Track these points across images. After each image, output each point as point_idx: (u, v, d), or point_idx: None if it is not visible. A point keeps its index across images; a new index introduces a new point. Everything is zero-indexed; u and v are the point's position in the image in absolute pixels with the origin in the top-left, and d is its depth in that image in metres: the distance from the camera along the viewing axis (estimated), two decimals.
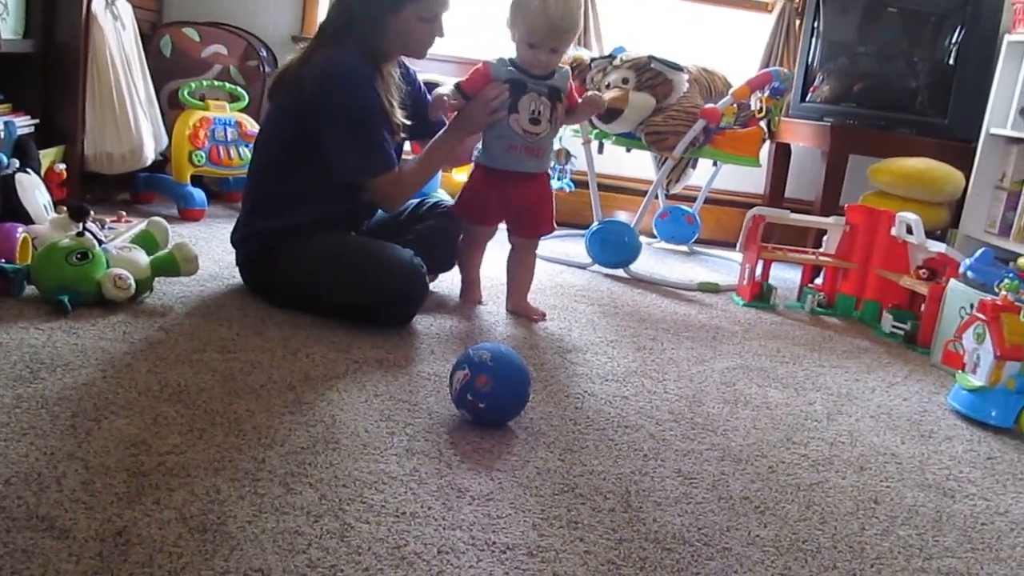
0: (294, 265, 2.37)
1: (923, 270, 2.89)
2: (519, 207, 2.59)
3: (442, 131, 2.52)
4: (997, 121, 3.58)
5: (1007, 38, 3.56)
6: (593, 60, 3.58)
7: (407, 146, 3.96)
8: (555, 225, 2.67)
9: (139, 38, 3.42)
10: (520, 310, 2.64)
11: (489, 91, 2.44)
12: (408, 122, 2.46)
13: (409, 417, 1.79)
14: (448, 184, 3.91)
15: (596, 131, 3.52)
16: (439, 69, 4.17)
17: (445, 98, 2.46)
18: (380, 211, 2.65)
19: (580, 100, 2.59)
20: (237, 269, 2.52)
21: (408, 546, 1.32)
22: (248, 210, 2.49)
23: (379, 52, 2.39)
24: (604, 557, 1.37)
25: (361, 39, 2.35)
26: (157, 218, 2.60)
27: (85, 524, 1.26)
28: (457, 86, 2.49)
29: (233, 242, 2.52)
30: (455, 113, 2.50)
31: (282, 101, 2.41)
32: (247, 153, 3.50)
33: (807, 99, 4.05)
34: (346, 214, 2.49)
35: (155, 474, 1.43)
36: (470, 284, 2.72)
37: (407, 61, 2.60)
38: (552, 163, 2.63)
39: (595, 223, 3.42)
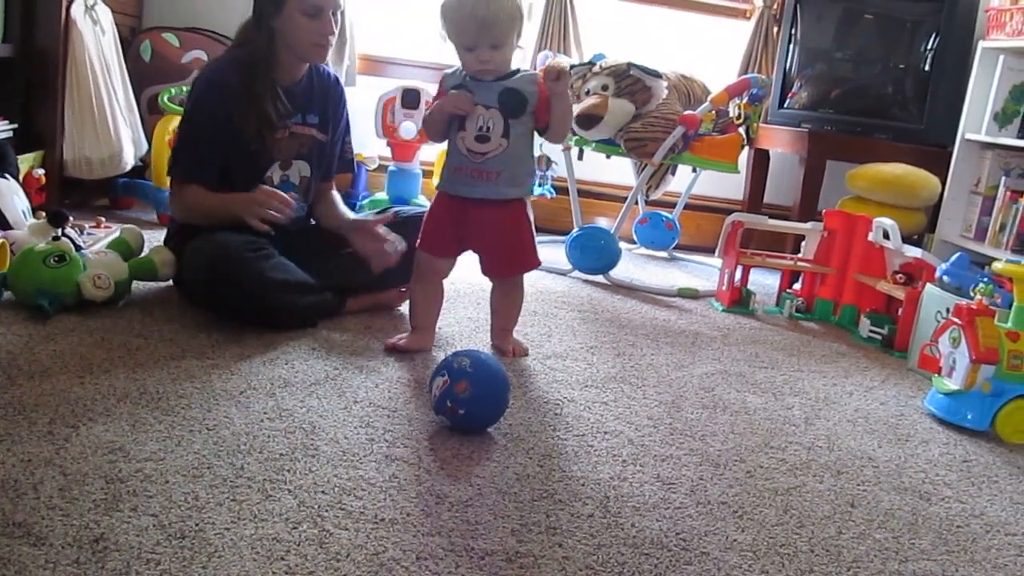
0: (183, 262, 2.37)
1: (900, 275, 2.92)
2: (480, 239, 2.26)
3: (230, 198, 2.32)
4: (972, 126, 3.62)
5: (982, 44, 3.60)
6: (573, 67, 3.59)
7: (387, 151, 3.98)
8: (537, 259, 2.30)
9: (119, 43, 3.41)
10: (501, 346, 2.36)
11: (270, 199, 2.24)
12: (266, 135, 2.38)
13: (388, 423, 1.79)
14: (429, 190, 3.91)
15: (576, 138, 3.53)
16: (423, 76, 4.18)
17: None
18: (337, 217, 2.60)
19: (552, 104, 2.17)
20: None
21: (387, 552, 1.32)
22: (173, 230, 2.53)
23: (267, 61, 2.35)
24: (582, 563, 1.38)
25: (253, 50, 2.35)
26: (131, 225, 2.60)
27: (62, 531, 1.25)
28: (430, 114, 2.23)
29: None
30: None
31: None
32: None
33: (785, 105, 4.08)
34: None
35: (133, 480, 1.42)
36: (416, 330, 2.30)
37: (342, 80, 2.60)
38: (529, 185, 2.29)
39: (575, 229, 3.43)
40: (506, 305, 2.36)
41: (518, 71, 2.20)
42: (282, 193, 2.28)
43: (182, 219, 2.43)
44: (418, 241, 2.27)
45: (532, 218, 2.30)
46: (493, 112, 2.15)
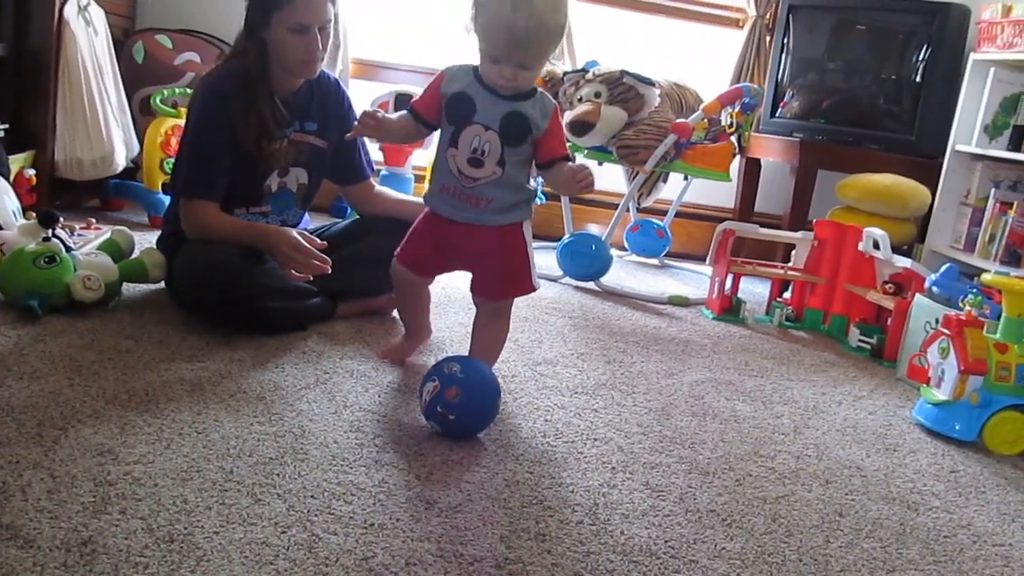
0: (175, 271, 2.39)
1: (889, 285, 2.93)
2: (467, 261, 2.07)
3: (257, 229, 2.32)
4: (962, 138, 3.64)
5: (972, 56, 3.63)
6: (566, 74, 3.60)
7: (379, 155, 3.98)
8: (532, 284, 2.06)
9: (111, 44, 3.40)
10: None
11: (310, 263, 2.18)
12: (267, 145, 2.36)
13: (378, 428, 1.79)
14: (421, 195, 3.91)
15: (568, 144, 3.52)
16: (417, 80, 4.18)
17: (370, 119, 1.97)
18: (340, 219, 2.60)
19: (565, 173, 1.93)
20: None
21: (376, 558, 1.32)
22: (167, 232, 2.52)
23: (261, 73, 2.33)
24: (571, 569, 1.38)
25: (247, 61, 2.33)
26: (121, 227, 2.59)
27: (50, 533, 1.25)
28: (411, 108, 2.00)
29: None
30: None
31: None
32: None
33: (777, 114, 4.10)
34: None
35: (122, 483, 1.42)
36: (411, 332, 2.28)
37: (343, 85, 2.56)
38: (525, 210, 2.02)
39: (566, 236, 3.43)
40: (485, 337, 2.12)
41: (535, 91, 1.93)
42: (320, 255, 2.21)
43: (194, 237, 2.33)
44: (399, 253, 2.10)
45: (529, 239, 2.04)
46: (492, 135, 1.89)
